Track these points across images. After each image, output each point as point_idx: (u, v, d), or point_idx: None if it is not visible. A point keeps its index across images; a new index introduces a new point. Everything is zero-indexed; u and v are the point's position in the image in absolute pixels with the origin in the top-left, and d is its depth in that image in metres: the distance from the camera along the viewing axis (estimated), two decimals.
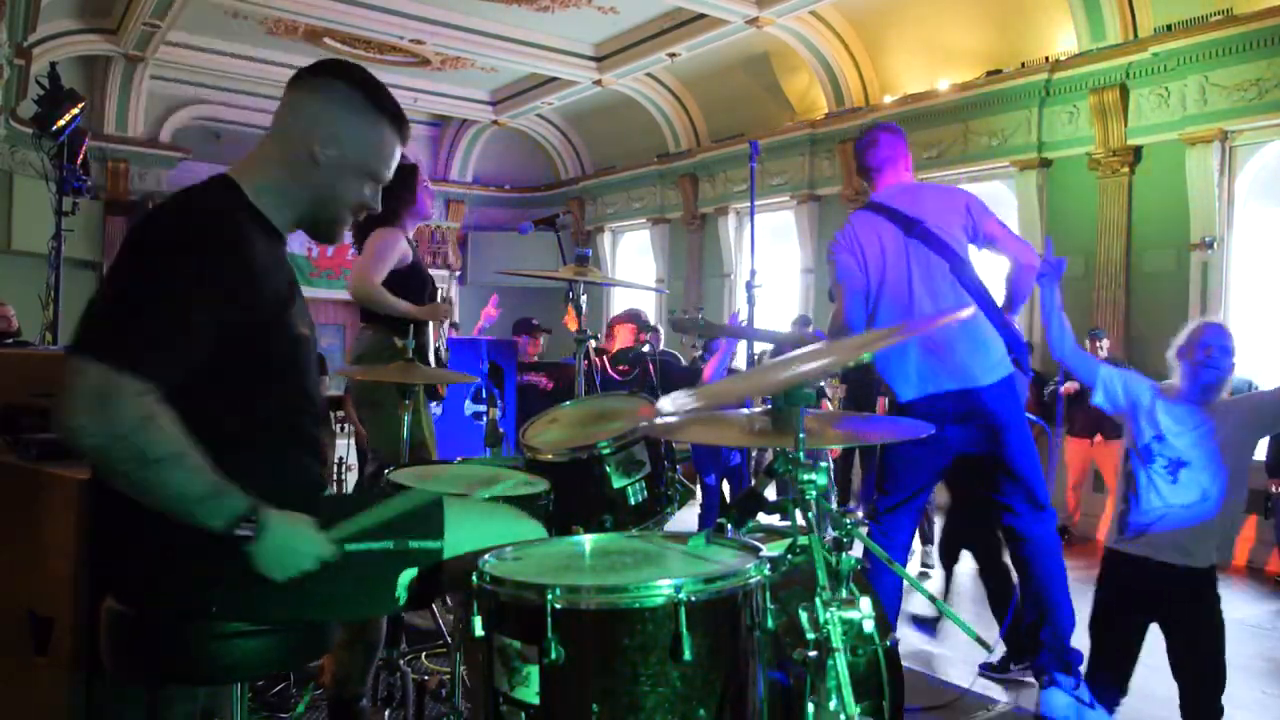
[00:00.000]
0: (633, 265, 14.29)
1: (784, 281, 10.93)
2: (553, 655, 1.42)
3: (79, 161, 6.26)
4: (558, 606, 1.43)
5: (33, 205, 9.22)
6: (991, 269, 3.36)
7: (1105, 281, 7.65)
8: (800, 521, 1.69)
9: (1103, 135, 7.64)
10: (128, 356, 1.39)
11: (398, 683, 2.80)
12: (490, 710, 1.54)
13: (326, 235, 1.77)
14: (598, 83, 11.77)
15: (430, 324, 3.75)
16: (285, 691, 2.99)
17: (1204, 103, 6.99)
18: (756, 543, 1.71)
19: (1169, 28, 7.18)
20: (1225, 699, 2.97)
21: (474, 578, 1.55)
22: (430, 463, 3.15)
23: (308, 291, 3.57)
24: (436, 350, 3.87)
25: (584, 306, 3.62)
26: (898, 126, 3.39)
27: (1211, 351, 2.84)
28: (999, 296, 3.20)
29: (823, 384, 7.19)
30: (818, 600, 1.57)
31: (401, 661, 2.88)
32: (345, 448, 6.58)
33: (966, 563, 6.31)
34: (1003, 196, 8.63)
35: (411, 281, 3.70)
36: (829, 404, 6.96)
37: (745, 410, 1.95)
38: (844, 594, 1.59)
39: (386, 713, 2.79)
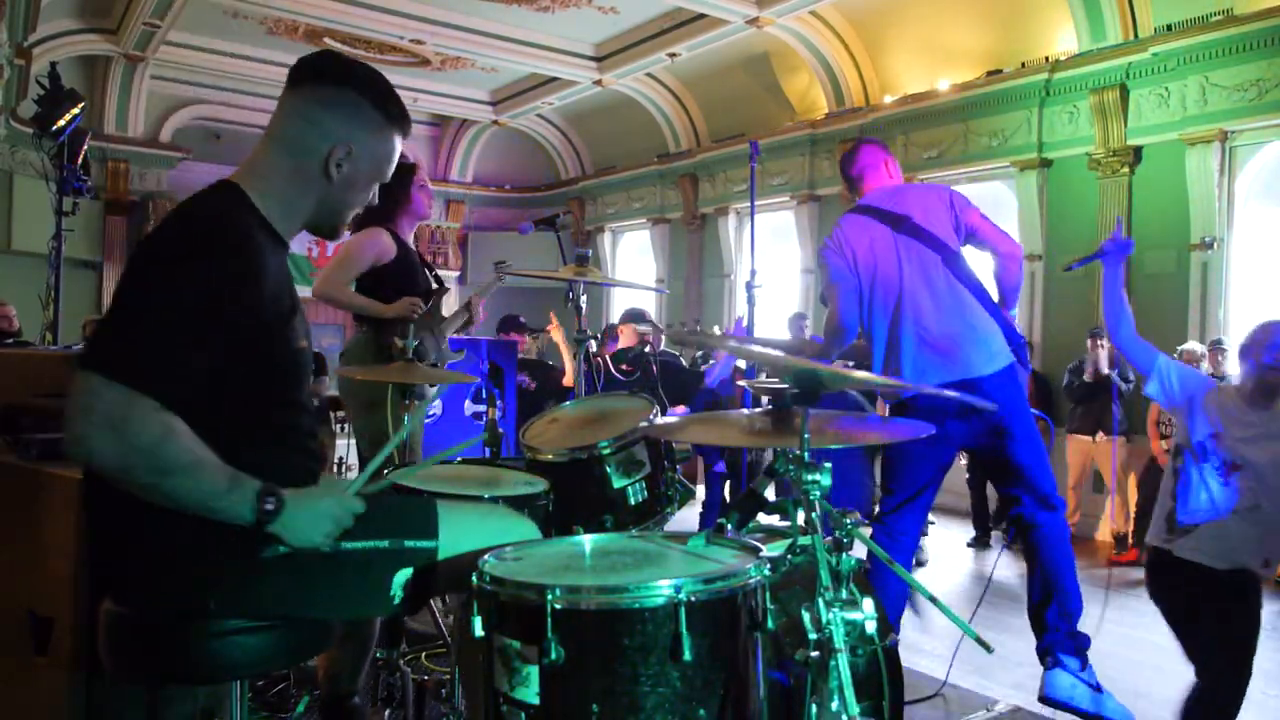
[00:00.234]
0: (633, 265, 14.29)
1: (784, 282, 10.93)
2: (553, 655, 1.41)
3: (79, 161, 6.26)
4: (558, 607, 1.43)
5: (33, 205, 9.23)
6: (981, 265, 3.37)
7: None
8: (801, 522, 1.69)
9: (1103, 135, 7.64)
10: (143, 374, 1.39)
11: (398, 683, 2.80)
12: (490, 710, 1.54)
13: (329, 235, 1.79)
14: (598, 83, 11.78)
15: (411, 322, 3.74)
16: (285, 691, 2.99)
17: (1204, 103, 6.99)
18: (756, 543, 1.71)
19: (1169, 28, 7.18)
20: None
21: (474, 578, 1.56)
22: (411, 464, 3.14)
23: (308, 291, 3.60)
24: (420, 349, 3.86)
25: (584, 307, 3.62)
26: (878, 139, 3.47)
27: None
28: (994, 294, 3.21)
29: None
30: (820, 600, 1.57)
31: (401, 661, 2.88)
32: (345, 448, 6.58)
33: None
34: (1003, 196, 8.63)
35: (401, 279, 3.70)
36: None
37: (745, 410, 1.95)
38: (845, 594, 1.59)
39: (386, 713, 2.78)
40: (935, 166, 9.03)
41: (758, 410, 1.95)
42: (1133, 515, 6.63)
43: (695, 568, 1.61)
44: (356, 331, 3.83)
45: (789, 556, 1.78)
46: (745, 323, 4.51)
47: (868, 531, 3.08)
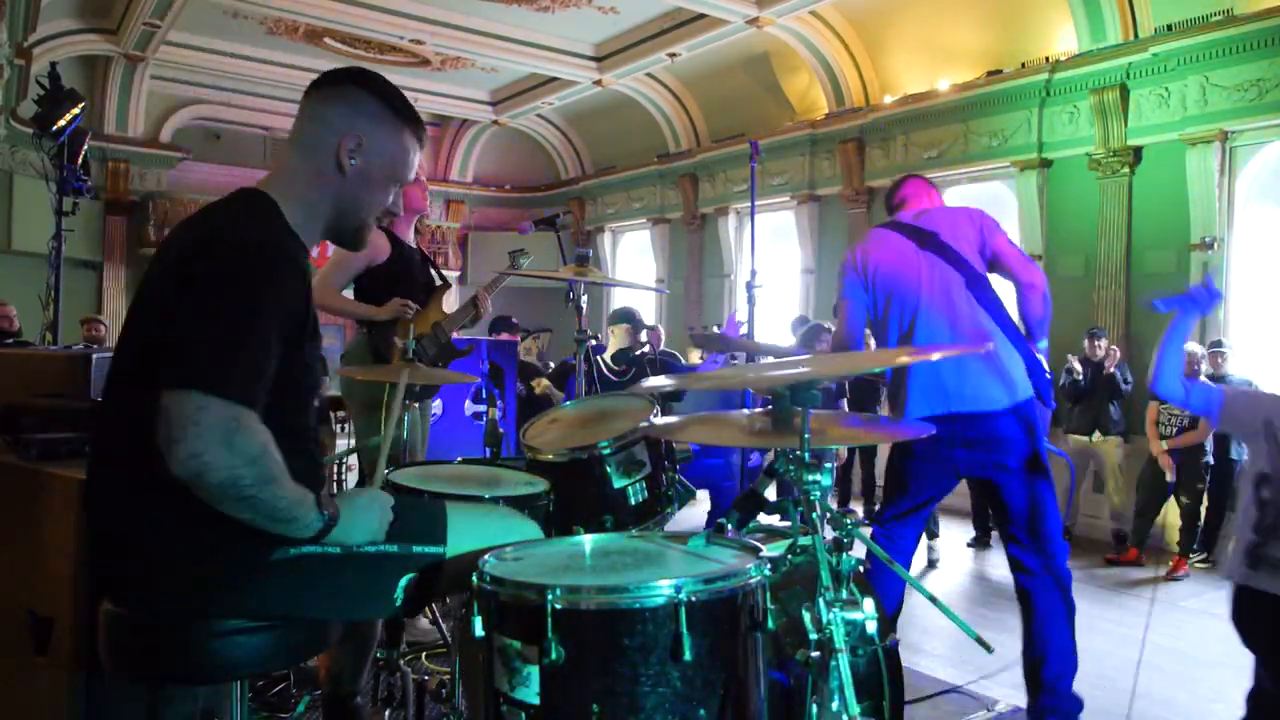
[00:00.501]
0: (633, 265, 14.29)
1: (784, 282, 10.93)
2: (553, 655, 1.42)
3: (79, 161, 6.26)
4: (558, 607, 1.43)
5: (33, 205, 9.23)
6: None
7: (1105, 281, 7.65)
8: (801, 522, 1.69)
9: (1103, 135, 7.64)
10: (240, 388, 1.43)
11: (398, 683, 2.80)
12: (490, 711, 1.54)
13: (353, 242, 1.79)
14: (598, 83, 11.77)
15: (401, 323, 3.74)
16: (285, 691, 2.99)
17: (1204, 103, 6.99)
18: (756, 543, 1.71)
19: (1169, 28, 7.18)
20: (1224, 699, 2.96)
21: (474, 578, 1.56)
22: (429, 463, 3.15)
23: None
24: (418, 349, 3.85)
25: (584, 307, 3.62)
26: (921, 176, 3.44)
27: None
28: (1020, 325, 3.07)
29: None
30: (820, 601, 1.57)
31: (401, 661, 2.88)
32: (345, 448, 6.58)
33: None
34: (1003, 197, 8.63)
35: (399, 278, 3.71)
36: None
37: (745, 411, 1.95)
38: (845, 594, 1.59)
39: (387, 713, 2.78)
40: (935, 166, 9.02)
41: (758, 410, 1.95)
42: (1131, 515, 6.63)
43: (695, 568, 1.61)
44: (357, 333, 3.84)
45: (789, 556, 1.78)
46: (739, 318, 4.50)
47: (867, 532, 3.08)
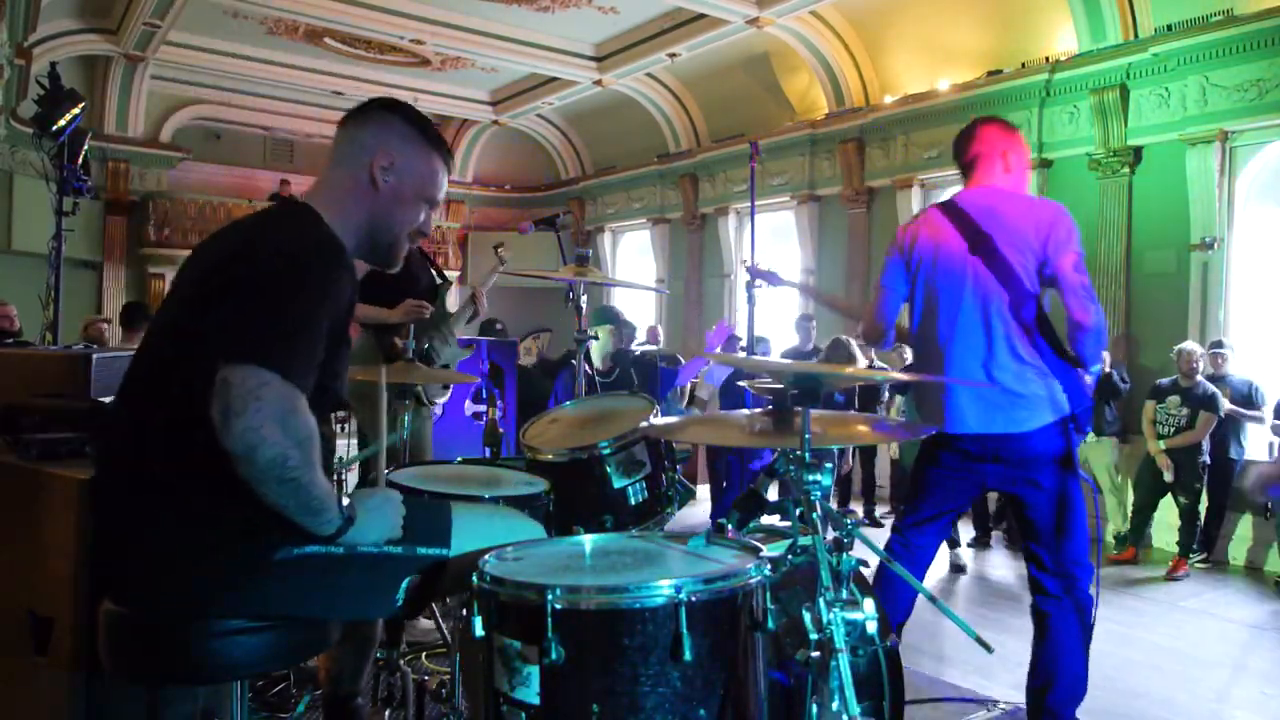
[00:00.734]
0: (633, 265, 14.29)
1: None
2: (553, 655, 1.42)
3: (79, 161, 6.25)
4: (558, 607, 1.43)
5: (33, 205, 9.22)
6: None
7: (1105, 281, 7.64)
8: (801, 522, 1.69)
9: (1103, 135, 7.64)
10: (299, 374, 1.48)
11: (398, 683, 2.80)
12: (491, 711, 1.54)
13: (386, 259, 1.84)
14: (598, 83, 11.77)
15: (413, 324, 3.74)
16: (285, 691, 2.99)
17: (1204, 103, 6.99)
18: (756, 543, 1.71)
19: (1169, 28, 7.18)
20: (1224, 699, 2.96)
21: (474, 578, 1.56)
22: (429, 463, 3.15)
23: None
24: (428, 351, 3.86)
25: (584, 307, 3.62)
26: (1003, 120, 2.97)
27: None
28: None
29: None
30: (820, 601, 1.57)
31: (401, 661, 2.88)
32: (345, 448, 6.58)
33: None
34: None
35: (400, 279, 3.71)
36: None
37: (745, 411, 1.95)
38: (845, 594, 1.59)
39: (387, 713, 2.78)
40: (935, 166, 9.03)
41: (758, 410, 1.95)
42: (1129, 515, 6.63)
43: (695, 568, 1.61)
44: (361, 334, 3.85)
45: (789, 556, 1.78)
46: (729, 322, 4.44)
47: (869, 532, 3.05)
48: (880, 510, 7.89)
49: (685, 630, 1.42)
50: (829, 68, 10.07)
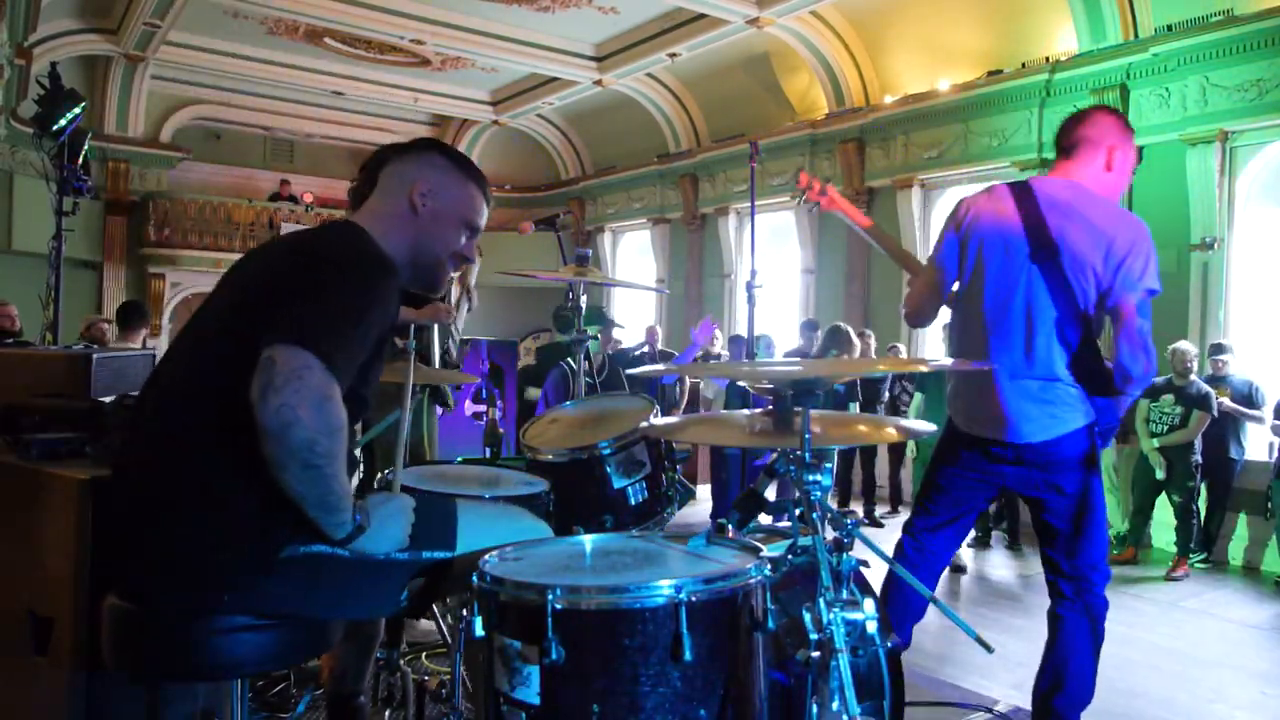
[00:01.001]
0: (633, 265, 14.29)
1: (784, 282, 10.93)
2: (553, 655, 1.42)
3: (79, 161, 6.25)
4: (559, 607, 1.43)
5: (33, 205, 9.23)
6: None
7: None
8: (801, 522, 1.69)
9: None
10: (341, 367, 1.51)
11: (398, 683, 2.80)
12: (491, 711, 1.54)
13: (429, 282, 1.90)
14: (598, 83, 11.77)
15: (435, 327, 3.74)
16: (285, 691, 2.99)
17: (1204, 103, 6.99)
18: (756, 543, 1.71)
19: (1169, 28, 7.18)
20: (1224, 699, 2.96)
21: (474, 578, 1.56)
22: (429, 463, 3.15)
23: None
24: (445, 353, 3.87)
25: (584, 307, 3.63)
26: (1125, 117, 2.73)
27: None
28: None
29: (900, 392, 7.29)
30: (821, 601, 1.57)
31: (401, 661, 2.88)
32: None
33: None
34: None
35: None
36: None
37: (745, 411, 1.95)
38: (845, 595, 1.59)
39: (387, 713, 2.78)
40: (935, 166, 9.02)
41: (758, 410, 1.95)
42: (1128, 515, 6.63)
43: (696, 568, 1.61)
44: None
45: (789, 556, 1.78)
46: (712, 319, 4.39)
47: (869, 532, 3.03)
48: (880, 510, 7.89)
49: (685, 630, 1.42)
50: (829, 68, 10.07)
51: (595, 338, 4.62)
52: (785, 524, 2.20)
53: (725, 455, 6.37)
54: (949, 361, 2.71)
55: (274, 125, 14.41)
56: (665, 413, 2.94)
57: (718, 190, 11.99)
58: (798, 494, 1.70)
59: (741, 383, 5.32)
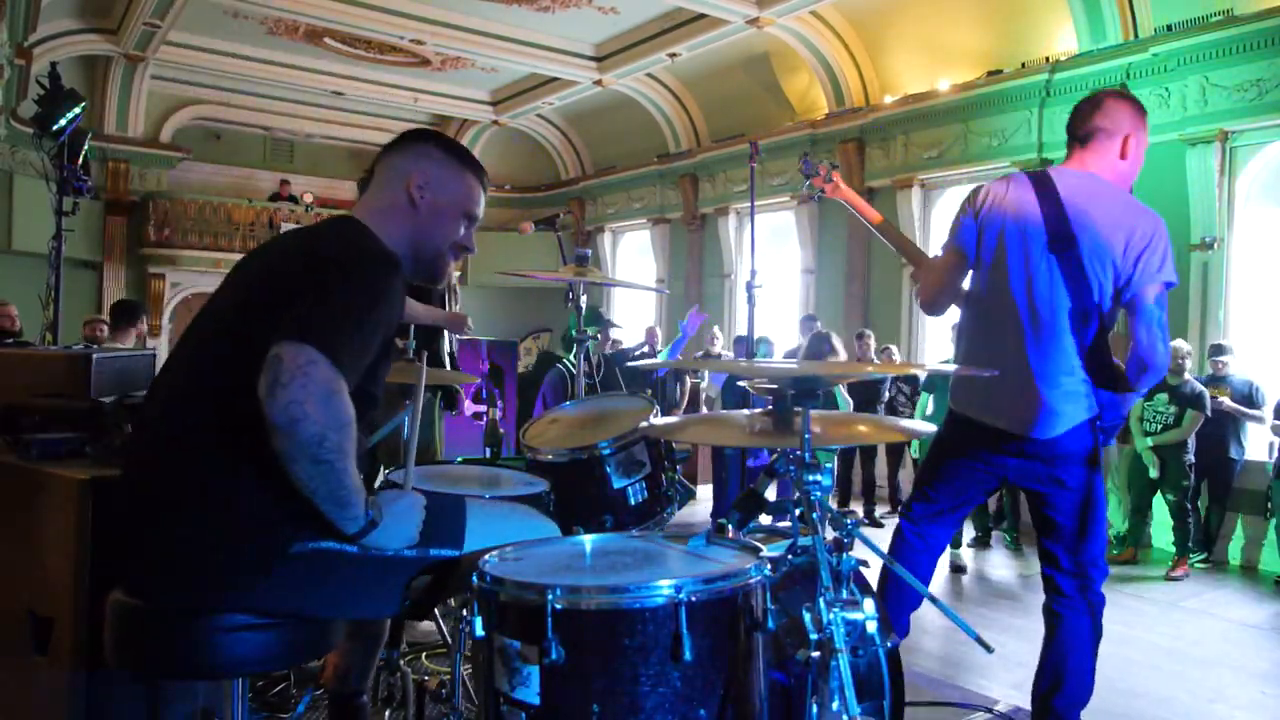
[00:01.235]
0: (633, 265, 14.29)
1: (784, 282, 10.93)
2: (553, 656, 1.42)
3: (79, 161, 6.25)
4: (558, 607, 1.43)
5: (33, 205, 9.23)
6: None
7: None
8: (801, 522, 1.69)
9: None
10: (348, 364, 1.51)
11: (398, 683, 2.80)
12: (491, 711, 1.54)
13: (431, 273, 1.90)
14: (598, 83, 11.77)
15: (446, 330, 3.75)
16: (285, 691, 2.99)
17: (1204, 103, 6.99)
18: (756, 543, 1.71)
19: (1169, 28, 7.18)
20: (1223, 699, 2.96)
21: (474, 578, 1.56)
22: (429, 464, 3.15)
23: None
24: (452, 354, 3.89)
25: (584, 307, 3.62)
26: (1138, 101, 2.67)
27: None
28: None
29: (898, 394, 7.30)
30: (820, 601, 1.57)
31: (401, 662, 2.88)
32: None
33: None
34: None
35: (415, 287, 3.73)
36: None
37: (745, 411, 1.95)
38: (845, 594, 1.59)
39: (387, 713, 2.78)
40: (935, 166, 9.02)
41: (758, 410, 1.95)
42: (1127, 515, 6.63)
43: (696, 568, 1.61)
44: None
45: (789, 556, 1.78)
46: (700, 310, 4.36)
47: (869, 533, 3.02)
48: (880, 510, 7.89)
49: (685, 630, 1.42)
50: (829, 68, 10.07)
51: (595, 338, 4.62)
52: (785, 524, 2.20)
53: (725, 455, 6.37)
54: (952, 367, 2.70)
55: (274, 125, 14.41)
56: (665, 413, 2.94)
57: (718, 190, 11.99)
58: (798, 494, 1.71)
59: (741, 383, 5.32)
